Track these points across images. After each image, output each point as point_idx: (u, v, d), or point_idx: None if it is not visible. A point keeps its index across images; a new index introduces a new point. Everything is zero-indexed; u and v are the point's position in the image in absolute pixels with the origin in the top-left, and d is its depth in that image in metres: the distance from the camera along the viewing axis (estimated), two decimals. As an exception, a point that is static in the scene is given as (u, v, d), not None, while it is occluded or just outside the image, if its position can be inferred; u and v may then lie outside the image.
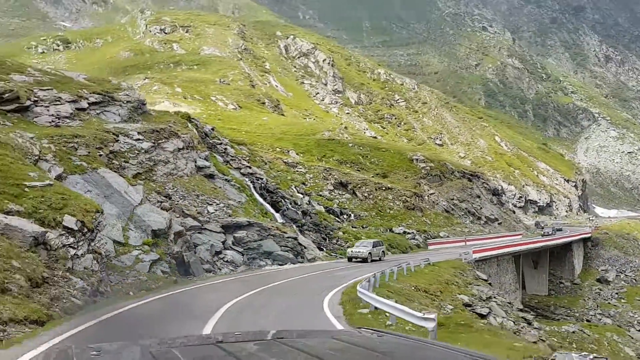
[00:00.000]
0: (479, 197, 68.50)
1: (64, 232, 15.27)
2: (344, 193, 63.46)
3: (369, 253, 31.65)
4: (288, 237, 30.39)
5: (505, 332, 17.62)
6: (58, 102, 29.54)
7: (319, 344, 2.30)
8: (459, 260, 32.20)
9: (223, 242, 25.70)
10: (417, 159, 71.33)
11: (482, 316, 23.43)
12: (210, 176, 33.65)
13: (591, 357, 10.48)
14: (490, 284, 31.49)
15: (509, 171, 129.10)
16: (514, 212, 74.68)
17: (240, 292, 16.31)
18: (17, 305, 11.52)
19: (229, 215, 28.75)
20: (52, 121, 27.13)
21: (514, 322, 25.84)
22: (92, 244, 16.19)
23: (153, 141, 31.08)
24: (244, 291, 16.71)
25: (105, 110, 33.64)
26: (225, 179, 36.45)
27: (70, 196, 17.18)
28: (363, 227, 56.32)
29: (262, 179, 42.63)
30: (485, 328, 15.67)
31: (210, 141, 44.74)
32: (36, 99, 28.28)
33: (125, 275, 18.13)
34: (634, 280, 56.33)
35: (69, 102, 30.43)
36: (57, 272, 13.84)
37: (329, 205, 58.79)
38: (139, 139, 30.22)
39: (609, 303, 51.49)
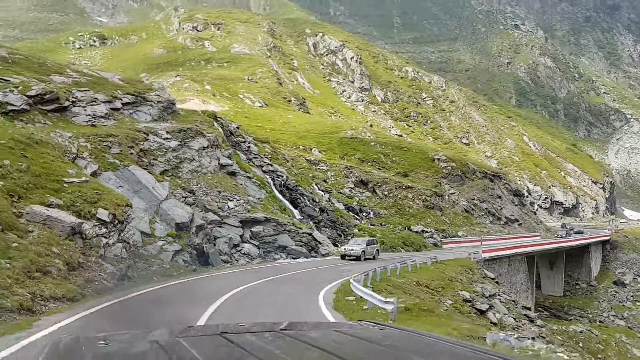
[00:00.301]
0: (499, 197, 69.15)
1: (97, 223, 17.38)
2: (364, 191, 64.93)
3: (362, 251, 31.38)
4: (303, 233, 32.23)
5: (461, 316, 19.13)
6: (94, 103, 31.96)
7: (323, 337, 2.38)
8: (469, 259, 33.52)
9: (241, 236, 27.68)
10: (438, 159, 72.30)
11: (482, 312, 24.83)
12: (233, 173, 35.68)
13: (515, 336, 11.90)
14: (497, 282, 32.73)
15: (536, 172, 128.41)
16: (535, 213, 74.84)
17: (250, 280, 18.22)
18: (56, 285, 13.62)
19: (248, 211, 30.74)
20: (89, 121, 29.51)
21: (514, 319, 27.13)
22: (122, 234, 18.30)
23: (180, 140, 33.26)
24: (254, 279, 18.62)
25: (137, 110, 36.00)
26: (247, 176, 38.49)
27: (104, 191, 19.33)
28: (381, 225, 57.78)
29: (282, 176, 44.56)
30: (444, 313, 17.27)
31: (235, 139, 46.85)
32: (74, 99, 30.70)
33: (151, 263, 20.21)
34: (651, 284, 56.49)
35: (104, 102, 32.83)
36: (90, 258, 15.94)
37: (349, 203, 60.44)
38: (167, 138, 32.44)
39: (623, 305, 51.86)
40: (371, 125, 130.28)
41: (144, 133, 31.06)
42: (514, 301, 30.44)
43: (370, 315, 12.82)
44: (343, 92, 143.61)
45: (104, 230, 17.34)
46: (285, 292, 16.23)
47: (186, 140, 33.81)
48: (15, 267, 12.87)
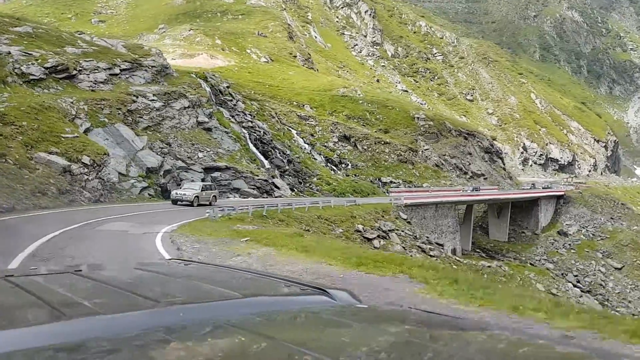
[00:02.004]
0: (470, 154, 76.48)
1: (81, 165, 26.52)
2: (346, 145, 73.08)
3: (196, 196, 29.96)
4: (259, 179, 41.10)
5: (347, 241, 27.73)
6: (96, 70, 40.78)
7: (120, 275, 2.39)
8: (389, 204, 42.01)
9: (202, 179, 36.68)
10: (418, 117, 79.41)
11: (369, 239, 33.57)
12: (209, 129, 44.44)
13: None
14: (409, 222, 41.23)
15: (535, 129, 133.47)
16: (504, 169, 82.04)
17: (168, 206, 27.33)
18: (51, 201, 22.89)
19: (213, 160, 39.64)
20: (90, 86, 38.42)
21: (404, 248, 35.84)
22: (99, 173, 27.44)
23: (164, 101, 41.98)
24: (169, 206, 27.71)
25: (133, 75, 44.70)
26: (225, 131, 47.22)
27: (89, 144, 28.42)
28: (355, 176, 66.38)
29: (260, 131, 53.07)
30: (332, 237, 25.95)
31: (222, 98, 55.28)
32: (81, 68, 39.56)
33: (122, 194, 29.40)
34: (592, 235, 63.91)
35: (104, 69, 41.60)
36: (74, 187, 25.17)
37: (329, 156, 68.97)
38: (153, 99, 41.17)
39: (557, 251, 59.75)
40: (378, 80, 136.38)
41: (134, 96, 39.85)
42: (415, 237, 38.94)
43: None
44: (355, 46, 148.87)
45: (85, 170, 26.50)
46: (169, 214, 24.77)
47: (169, 101, 42.51)
48: (27, 189, 22.15)
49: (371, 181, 65.80)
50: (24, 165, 23.63)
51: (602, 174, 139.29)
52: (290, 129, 69.34)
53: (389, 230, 36.62)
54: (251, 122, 54.15)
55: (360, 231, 33.48)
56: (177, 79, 49.98)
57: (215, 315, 1.55)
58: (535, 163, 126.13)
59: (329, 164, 66.51)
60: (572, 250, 60.67)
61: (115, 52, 46.09)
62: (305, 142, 68.47)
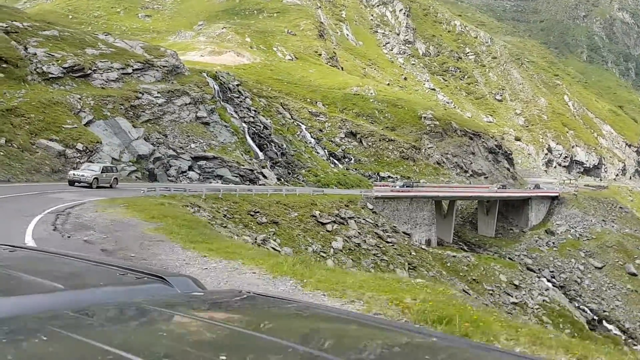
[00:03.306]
0: (473, 153, 79.85)
1: (75, 150, 32.97)
2: (352, 141, 77.97)
3: (95, 178, 29.21)
4: (244, 168, 46.89)
5: (303, 226, 33.01)
6: (110, 70, 47.52)
7: None
8: (360, 195, 46.95)
9: (190, 167, 42.75)
10: (425, 117, 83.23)
11: (323, 223, 38.67)
12: (206, 123, 50.52)
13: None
14: (374, 212, 45.98)
15: (562, 131, 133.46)
16: (508, 170, 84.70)
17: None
18: (43, 177, 29.37)
19: (204, 151, 45.70)
20: (102, 84, 45.14)
21: (359, 233, 40.72)
22: (89, 157, 33.85)
23: (167, 98, 48.33)
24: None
25: (144, 74, 51.28)
26: (224, 125, 53.25)
27: (85, 133, 34.90)
28: (354, 170, 71.28)
29: (260, 126, 58.81)
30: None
31: (230, 95, 61.33)
32: (95, 68, 46.35)
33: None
34: (579, 236, 66.29)
35: (117, 69, 48.30)
36: (67, 168, 31.61)
37: (333, 150, 74.12)
38: (157, 96, 47.57)
39: (538, 248, 62.79)
40: (405, 79, 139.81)
41: (140, 93, 46.34)
42: (376, 225, 43.72)
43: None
44: (387, 44, 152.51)
45: (78, 154, 32.94)
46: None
47: (172, 98, 48.84)
48: (24, 167, 28.69)
49: (369, 175, 70.56)
50: (26, 149, 30.21)
51: (630, 178, 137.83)
52: (300, 124, 74.82)
53: (349, 218, 41.62)
54: (253, 117, 59.93)
55: (315, 216, 38.67)
56: (187, 77, 56.34)
57: (23, 311, 1.43)
58: (559, 165, 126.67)
59: (331, 158, 71.65)
60: (555, 248, 63.48)
61: (130, 54, 52.82)
62: (312, 137, 73.81)
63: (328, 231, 38.35)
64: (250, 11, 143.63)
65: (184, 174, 42.03)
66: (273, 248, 31.69)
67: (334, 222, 39.58)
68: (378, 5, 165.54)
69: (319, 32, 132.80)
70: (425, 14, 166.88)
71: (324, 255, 36.24)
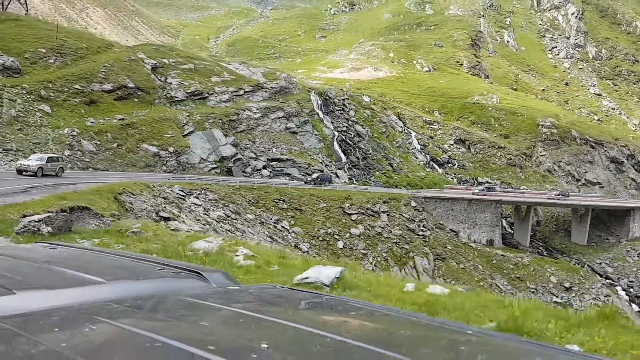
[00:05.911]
0: (590, 162, 77.67)
1: (168, 152, 47.76)
2: (460, 147, 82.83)
3: (40, 167, 30.79)
4: (314, 169, 57.62)
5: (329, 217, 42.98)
6: (224, 93, 62.61)
7: None
8: (407, 194, 53.93)
9: (264, 166, 55.01)
10: (542, 124, 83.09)
11: (349, 214, 47.27)
12: (294, 133, 62.46)
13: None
14: (416, 209, 52.50)
15: None
16: (633, 180, 79.49)
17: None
18: (137, 170, 44.58)
19: (282, 154, 57.68)
20: (214, 104, 60.27)
21: (387, 224, 48.36)
22: (178, 157, 48.35)
23: (263, 113, 61.60)
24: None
25: (254, 95, 65.53)
26: (315, 134, 64.70)
27: (179, 140, 49.69)
28: (455, 175, 76.46)
29: (351, 134, 68.69)
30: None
31: (332, 108, 72.35)
32: (212, 92, 61.79)
33: (197, 171, 49.80)
34: (688, 253, 61.79)
35: (231, 92, 63.17)
36: (157, 164, 46.48)
37: (438, 156, 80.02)
38: (255, 112, 61.14)
39: (624, 258, 60.45)
40: (566, 84, 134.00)
41: (242, 109, 60.36)
42: (412, 220, 50.51)
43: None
44: (553, 48, 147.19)
45: (169, 155, 47.63)
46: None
47: (268, 113, 61.98)
48: (124, 163, 44.11)
49: (465, 180, 75.00)
50: (131, 151, 45.69)
51: None
52: (411, 131, 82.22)
53: (382, 212, 49.48)
54: (348, 127, 70.09)
55: (343, 208, 47.61)
56: (294, 95, 69.23)
57: (68, 303, 1.50)
58: None
59: (431, 163, 77.77)
60: (644, 261, 60.89)
61: (247, 79, 67.55)
62: (419, 143, 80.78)
63: (352, 220, 47.09)
64: (410, 25, 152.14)
65: (258, 171, 54.61)
66: (283, 227, 42.45)
67: (363, 213, 48.02)
68: (549, 10, 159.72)
69: (472, 41, 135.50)
70: (602, 16, 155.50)
71: (337, 237, 45.33)
